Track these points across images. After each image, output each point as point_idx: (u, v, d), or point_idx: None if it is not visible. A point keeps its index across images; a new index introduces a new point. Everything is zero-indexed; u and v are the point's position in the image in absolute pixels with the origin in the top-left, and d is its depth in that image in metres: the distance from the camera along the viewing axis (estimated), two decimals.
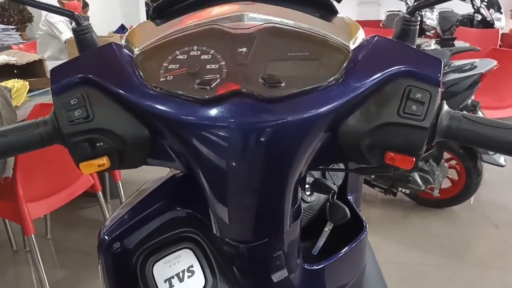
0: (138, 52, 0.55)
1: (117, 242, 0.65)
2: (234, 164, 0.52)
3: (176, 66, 0.53)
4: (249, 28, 0.55)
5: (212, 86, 0.50)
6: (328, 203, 0.75)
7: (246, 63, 0.53)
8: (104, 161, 0.54)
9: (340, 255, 0.72)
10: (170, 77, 0.53)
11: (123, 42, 0.58)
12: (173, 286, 0.65)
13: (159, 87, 0.52)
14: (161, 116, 0.51)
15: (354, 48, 0.54)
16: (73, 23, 0.58)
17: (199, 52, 0.54)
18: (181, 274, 0.66)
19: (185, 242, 0.68)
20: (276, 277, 0.64)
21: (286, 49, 0.54)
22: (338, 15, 0.60)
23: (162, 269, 0.66)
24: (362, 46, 0.54)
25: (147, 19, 0.61)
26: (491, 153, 2.65)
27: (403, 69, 0.52)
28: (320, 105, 0.50)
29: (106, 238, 0.65)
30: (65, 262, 2.39)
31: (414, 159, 0.52)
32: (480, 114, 2.68)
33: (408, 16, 0.56)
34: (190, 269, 0.67)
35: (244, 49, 0.54)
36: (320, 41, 0.54)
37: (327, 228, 0.75)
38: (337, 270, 0.73)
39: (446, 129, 0.53)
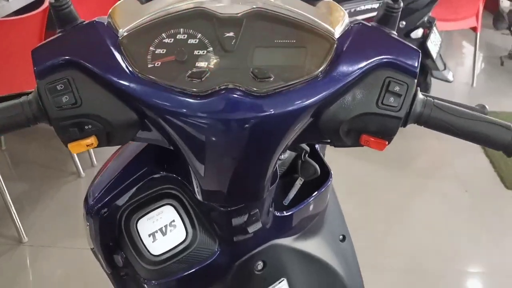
0: (123, 34, 0.54)
1: (105, 208, 0.68)
2: (222, 152, 0.55)
3: (163, 51, 0.53)
4: (236, 11, 0.55)
5: (202, 79, 0.51)
6: (300, 161, 0.80)
7: (234, 50, 0.53)
8: (92, 140, 0.56)
9: (307, 202, 0.79)
10: (158, 64, 0.53)
11: (105, 19, 0.56)
12: (157, 239, 0.70)
13: (148, 75, 0.52)
14: (151, 105, 0.52)
15: (339, 37, 0.55)
16: None
17: (186, 36, 0.54)
18: (163, 229, 0.70)
19: (167, 198, 0.72)
20: (252, 228, 0.70)
21: (273, 35, 0.55)
22: None
23: (145, 225, 0.71)
24: (346, 34, 0.56)
25: None
26: (441, 69, 2.76)
27: (384, 60, 0.55)
28: (305, 98, 0.52)
29: (94, 205, 0.68)
30: (25, 175, 2.37)
31: (387, 142, 0.57)
32: (435, 30, 2.74)
33: (391, 2, 0.57)
34: (172, 223, 0.71)
35: (231, 33, 0.54)
36: (306, 28, 0.55)
37: (298, 182, 0.81)
38: (304, 214, 0.80)
39: (418, 116, 0.57)
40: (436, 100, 0.58)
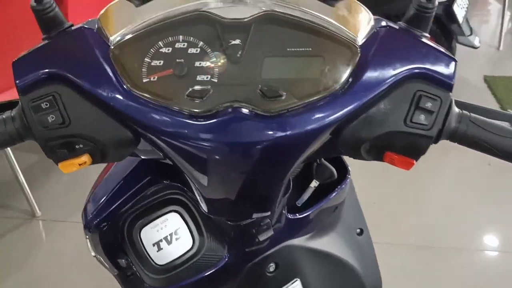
0: (115, 43, 0.47)
1: (104, 223, 0.64)
2: (227, 173, 0.50)
3: (160, 63, 0.47)
4: (243, 15, 0.48)
5: (204, 98, 0.45)
6: (315, 163, 0.74)
7: (241, 61, 0.47)
8: (85, 159, 0.51)
9: (322, 204, 0.74)
10: (154, 78, 0.46)
11: (95, 24, 0.50)
12: (162, 248, 0.67)
13: (143, 93, 0.46)
14: (146, 126, 0.47)
15: (363, 44, 0.48)
16: (32, 1, 0.48)
17: (186, 44, 0.47)
18: (169, 237, 0.67)
19: (171, 205, 0.68)
20: (263, 237, 0.66)
21: (286, 43, 0.48)
22: None
23: (149, 234, 0.67)
24: (371, 41, 0.48)
25: None
26: (467, 34, 2.62)
27: (415, 71, 0.48)
28: (322, 118, 0.46)
29: (93, 220, 0.64)
30: (35, 146, 2.34)
31: (414, 161, 0.51)
32: None
33: (425, 1, 0.49)
34: (177, 231, 0.68)
35: (237, 41, 0.47)
36: (324, 34, 0.48)
37: (313, 185, 0.76)
38: (318, 214, 0.75)
39: (452, 133, 0.51)
40: (472, 115, 0.51)
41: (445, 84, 0.48)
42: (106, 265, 0.75)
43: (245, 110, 0.45)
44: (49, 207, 1.89)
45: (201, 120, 0.45)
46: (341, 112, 0.46)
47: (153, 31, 0.48)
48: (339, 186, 0.76)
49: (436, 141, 0.51)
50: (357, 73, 0.47)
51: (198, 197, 0.58)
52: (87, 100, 0.47)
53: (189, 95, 0.45)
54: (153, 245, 0.67)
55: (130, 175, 0.66)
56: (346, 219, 0.88)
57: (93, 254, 0.73)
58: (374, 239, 0.90)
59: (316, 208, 0.73)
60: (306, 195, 0.78)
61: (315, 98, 0.46)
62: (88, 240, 0.68)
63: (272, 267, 0.72)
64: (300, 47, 0.48)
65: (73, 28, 0.50)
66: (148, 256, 0.66)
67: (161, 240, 0.66)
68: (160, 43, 0.47)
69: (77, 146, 0.49)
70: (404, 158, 0.51)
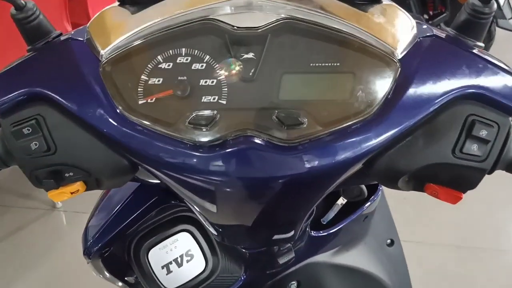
0: (106, 58, 0.40)
1: (106, 249, 0.58)
2: (239, 208, 0.43)
3: (158, 81, 0.40)
4: (257, 24, 0.40)
5: (210, 126, 0.38)
6: None
7: (254, 79, 0.39)
8: (78, 187, 0.44)
9: (349, 219, 0.67)
10: (151, 100, 0.39)
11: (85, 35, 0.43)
12: (171, 271, 0.61)
13: (138, 117, 0.39)
14: (143, 157, 0.40)
15: (403, 57, 0.39)
16: (12, 8, 0.41)
17: (189, 59, 0.40)
18: (179, 259, 0.61)
19: (182, 223, 0.61)
20: (283, 259, 0.60)
21: (309, 56, 0.40)
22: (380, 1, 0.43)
23: (158, 255, 0.61)
24: (413, 53, 0.40)
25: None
26: (508, 17, 2.45)
27: (468, 90, 0.39)
28: (352, 150, 0.38)
29: (93, 246, 0.58)
30: None
31: (463, 194, 0.43)
32: None
33: (480, 4, 0.40)
34: (189, 253, 0.62)
35: (250, 55, 0.40)
36: (356, 46, 0.39)
37: (340, 202, 0.68)
38: (346, 227, 0.69)
39: (509, 164, 0.42)
40: None
41: (504, 107, 0.39)
42: (114, 283, 0.70)
43: (258, 140, 0.38)
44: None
45: (207, 151, 0.38)
46: (375, 142, 0.38)
47: (151, 43, 0.40)
48: (370, 199, 0.69)
49: (490, 173, 0.42)
50: (396, 94, 0.39)
51: (203, 222, 0.51)
52: (75, 124, 0.40)
53: (192, 123, 0.38)
54: (162, 267, 0.61)
55: (134, 196, 0.59)
56: (375, 229, 0.82)
57: (95, 274, 0.68)
58: (404, 238, 0.83)
59: (342, 224, 0.66)
60: (332, 213, 0.70)
61: (343, 125, 0.38)
62: (89, 265, 0.62)
63: (294, 285, 0.66)
64: (326, 62, 0.40)
65: (61, 38, 0.43)
66: (156, 279, 0.61)
67: (170, 263, 0.60)
68: (159, 57, 0.40)
69: (66, 175, 0.43)
70: (450, 191, 0.43)
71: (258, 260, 0.60)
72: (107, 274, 0.65)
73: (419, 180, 0.43)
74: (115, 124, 0.39)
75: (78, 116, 0.40)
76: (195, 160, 0.38)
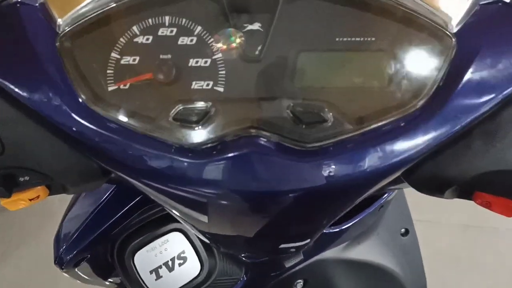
0: (65, 29, 0.30)
1: (82, 256, 0.50)
2: (242, 228, 0.34)
3: (134, 60, 0.30)
4: None
5: (202, 122, 0.28)
6: None
7: (261, 59, 0.29)
8: (39, 192, 0.35)
9: (364, 214, 0.59)
10: (125, 86, 0.30)
11: None
12: (161, 276, 0.53)
13: (108, 109, 0.29)
14: (115, 163, 0.30)
15: (459, 31, 0.30)
16: None
17: (175, 31, 0.30)
18: (170, 263, 0.53)
19: (173, 222, 0.53)
20: (289, 263, 0.53)
21: (334, 28, 0.30)
22: None
23: (145, 259, 0.53)
24: (473, 26, 0.30)
25: None
26: None
27: None
28: (392, 155, 0.29)
29: (66, 255, 0.50)
30: None
31: None
32: None
33: None
34: (181, 255, 0.53)
35: (256, 26, 0.30)
36: (397, 16, 0.29)
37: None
38: (357, 225, 0.61)
39: None
40: None
41: None
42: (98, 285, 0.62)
43: (266, 142, 0.29)
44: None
45: (198, 156, 0.29)
46: (422, 145, 0.29)
47: (124, 10, 0.30)
48: (386, 194, 0.60)
49: None
50: (450, 81, 0.29)
51: (193, 229, 0.43)
52: (26, 117, 0.31)
53: (178, 118, 0.28)
54: (151, 272, 0.53)
55: (115, 193, 0.50)
56: (390, 218, 0.75)
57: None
58: (414, 217, 0.78)
59: (357, 218, 0.58)
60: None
61: (380, 122, 0.29)
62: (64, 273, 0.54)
63: (300, 284, 0.59)
64: (357, 36, 0.30)
65: (6, 1, 0.33)
66: (144, 286, 0.52)
67: (160, 267, 0.52)
68: (134, 28, 0.30)
69: (21, 179, 0.34)
70: (507, 202, 0.34)
71: (262, 264, 0.53)
72: (87, 278, 0.57)
73: (468, 189, 0.34)
74: (77, 118, 0.30)
75: (28, 107, 0.30)
76: (182, 167, 0.29)
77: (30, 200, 0.36)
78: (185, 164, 0.29)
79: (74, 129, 0.30)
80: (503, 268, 1.63)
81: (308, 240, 0.41)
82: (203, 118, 0.29)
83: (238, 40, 0.30)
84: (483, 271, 1.61)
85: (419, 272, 0.81)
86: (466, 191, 0.34)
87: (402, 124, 0.29)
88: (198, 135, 0.29)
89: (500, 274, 1.62)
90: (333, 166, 0.28)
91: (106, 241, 0.52)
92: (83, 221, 0.50)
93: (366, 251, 0.69)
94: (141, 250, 0.52)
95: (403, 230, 0.79)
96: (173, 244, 0.53)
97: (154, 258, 0.53)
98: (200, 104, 0.29)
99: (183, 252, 0.53)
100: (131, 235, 0.53)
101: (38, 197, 0.36)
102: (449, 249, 1.67)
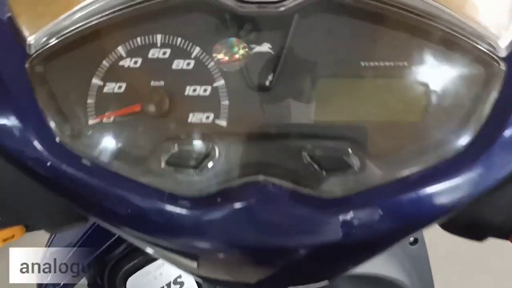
0: (38, 49, 0.25)
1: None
2: (244, 276, 0.29)
3: (119, 88, 0.25)
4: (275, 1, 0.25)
5: (201, 168, 0.23)
6: None
7: (272, 86, 0.25)
8: (14, 231, 0.31)
9: None
10: (107, 120, 0.25)
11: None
12: None
13: (86, 149, 0.24)
14: (95, 211, 0.26)
15: (510, 54, 0.25)
16: None
17: (168, 53, 0.25)
18: None
19: None
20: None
21: (358, 50, 0.25)
22: None
23: (139, 284, 0.49)
24: None
25: None
26: None
27: None
28: (427, 206, 0.24)
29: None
30: None
31: None
32: None
33: None
34: (178, 280, 0.50)
35: (266, 47, 0.25)
36: (433, 36, 0.25)
37: None
38: None
39: None
40: None
41: None
42: None
43: (278, 190, 0.24)
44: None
45: (196, 206, 0.24)
46: (465, 194, 0.24)
47: (108, 27, 0.25)
48: None
49: None
50: (499, 115, 0.24)
51: None
52: None
53: (172, 162, 0.24)
54: None
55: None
56: None
57: None
58: None
59: None
60: None
61: (416, 167, 0.24)
62: None
63: None
64: (387, 60, 0.25)
65: None
66: None
67: None
68: (120, 49, 0.25)
69: None
70: None
71: None
72: None
73: (508, 232, 0.29)
74: (49, 157, 0.25)
75: None
76: (177, 218, 0.24)
77: (4, 240, 0.31)
78: (180, 216, 0.24)
79: (46, 170, 0.25)
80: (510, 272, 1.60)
81: (326, 282, 0.36)
82: (202, 162, 0.24)
83: (241, 52, 0.26)
84: (490, 274, 1.59)
85: (427, 281, 0.78)
86: (505, 233, 0.30)
87: (441, 168, 0.24)
88: (196, 182, 0.24)
89: (508, 278, 1.59)
90: (360, 219, 0.24)
91: (97, 266, 0.48)
92: (73, 247, 0.46)
93: (375, 263, 0.66)
94: (134, 275, 0.49)
95: (411, 239, 0.76)
96: (169, 268, 0.49)
97: (149, 283, 0.49)
98: (199, 145, 0.24)
99: (179, 276, 0.49)
100: (123, 259, 0.49)
101: (13, 236, 0.31)
102: (455, 251, 1.64)
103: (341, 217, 0.24)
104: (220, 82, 0.25)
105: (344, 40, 0.25)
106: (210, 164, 0.24)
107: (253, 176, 0.24)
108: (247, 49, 0.25)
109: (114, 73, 0.25)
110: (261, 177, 0.24)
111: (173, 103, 0.25)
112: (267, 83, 0.25)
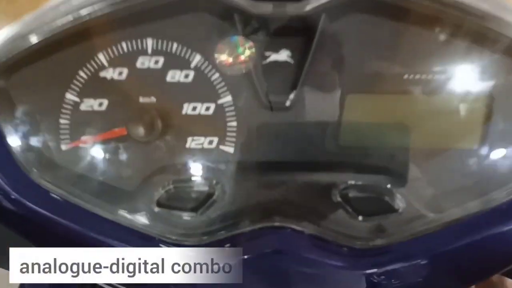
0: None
1: None
2: None
3: (100, 105, 0.20)
4: None
5: (201, 212, 0.18)
6: None
7: (291, 105, 0.20)
8: None
9: None
10: (85, 146, 0.20)
11: None
12: None
13: (57, 184, 0.20)
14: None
15: None
16: None
17: (161, 61, 0.20)
18: None
19: None
20: None
21: (399, 60, 0.20)
22: None
23: None
24: None
25: None
26: None
27: None
28: (491, 255, 0.19)
29: None
30: None
31: None
32: None
33: None
34: None
35: (284, 55, 0.20)
36: (491, 39, 0.19)
37: None
38: None
39: None
40: None
41: None
42: None
43: (298, 237, 0.19)
44: None
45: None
46: None
47: (85, 29, 0.20)
48: None
49: None
50: None
51: None
52: None
53: (165, 204, 0.18)
54: None
55: None
56: None
57: None
58: None
59: None
60: None
61: (474, 208, 0.19)
62: None
63: None
64: (437, 72, 0.20)
65: None
66: None
67: None
68: (100, 57, 0.20)
69: None
70: None
71: None
72: None
73: None
74: (12, 193, 0.20)
75: None
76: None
77: None
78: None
79: (8, 207, 0.20)
80: None
81: None
82: (204, 203, 0.19)
83: (247, 53, 0.21)
84: None
85: None
86: None
87: (504, 209, 0.19)
88: (197, 226, 0.19)
89: None
90: (405, 274, 0.19)
91: None
92: None
93: None
94: None
95: None
96: None
97: None
98: (200, 183, 0.19)
99: None
100: None
101: None
102: None
103: (381, 271, 0.19)
104: (227, 99, 0.20)
105: (383, 48, 0.20)
106: (214, 205, 0.19)
107: (267, 220, 0.19)
108: (253, 50, 0.20)
109: (94, 87, 0.20)
110: (277, 220, 0.19)
111: (167, 125, 0.20)
112: (287, 101, 0.20)
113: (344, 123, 0.20)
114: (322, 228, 0.19)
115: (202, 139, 0.20)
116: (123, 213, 0.19)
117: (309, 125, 0.20)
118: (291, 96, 0.20)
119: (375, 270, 0.19)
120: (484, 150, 0.20)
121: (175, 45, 0.21)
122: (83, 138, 0.20)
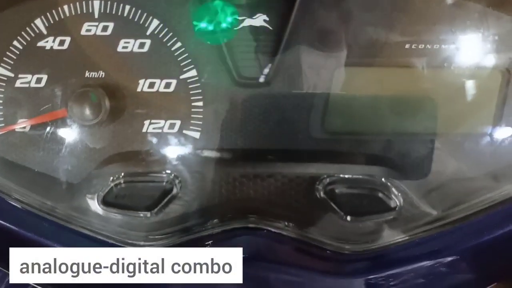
0: None
1: None
2: None
3: (38, 81, 0.17)
4: None
5: (156, 212, 0.15)
6: None
7: (270, 79, 0.17)
8: None
9: None
10: (22, 129, 0.16)
11: None
12: None
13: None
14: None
15: None
16: None
17: (110, 27, 0.17)
18: None
19: None
20: None
21: (401, 27, 0.16)
22: None
23: None
24: None
25: None
26: None
27: None
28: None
29: None
30: None
31: None
32: None
33: None
34: None
35: (260, 20, 0.17)
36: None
37: None
38: None
39: None
40: None
41: None
42: None
43: (276, 238, 0.16)
44: None
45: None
46: None
47: None
48: None
49: None
50: None
51: None
52: None
53: (112, 202, 0.15)
54: None
55: None
56: None
57: None
58: None
59: None
60: None
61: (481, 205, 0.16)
62: None
63: None
64: (444, 40, 0.17)
65: None
66: None
67: None
68: (38, 23, 0.17)
69: None
70: None
71: None
72: None
73: None
74: None
75: None
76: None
77: None
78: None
79: None
80: None
81: None
82: (161, 201, 0.16)
83: (230, 20, 0.17)
84: None
85: None
86: None
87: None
88: (151, 225, 0.16)
89: None
90: (401, 282, 0.16)
91: None
92: None
93: None
94: None
95: None
96: None
97: None
98: (157, 176, 0.16)
99: None
100: None
101: None
102: None
103: (374, 280, 0.16)
104: (191, 73, 0.17)
105: (378, 11, 0.17)
106: (174, 202, 0.16)
107: (240, 220, 0.16)
108: (236, 17, 0.17)
109: (31, 59, 0.17)
110: (252, 221, 0.16)
111: (117, 106, 0.17)
112: (262, 75, 0.16)
113: (332, 102, 0.17)
114: (304, 229, 0.16)
115: (161, 122, 0.17)
116: (63, 212, 0.16)
117: (289, 105, 0.17)
118: (267, 69, 0.16)
119: (368, 277, 0.16)
120: (499, 134, 0.17)
121: (127, 7, 0.17)
122: (18, 121, 0.17)
